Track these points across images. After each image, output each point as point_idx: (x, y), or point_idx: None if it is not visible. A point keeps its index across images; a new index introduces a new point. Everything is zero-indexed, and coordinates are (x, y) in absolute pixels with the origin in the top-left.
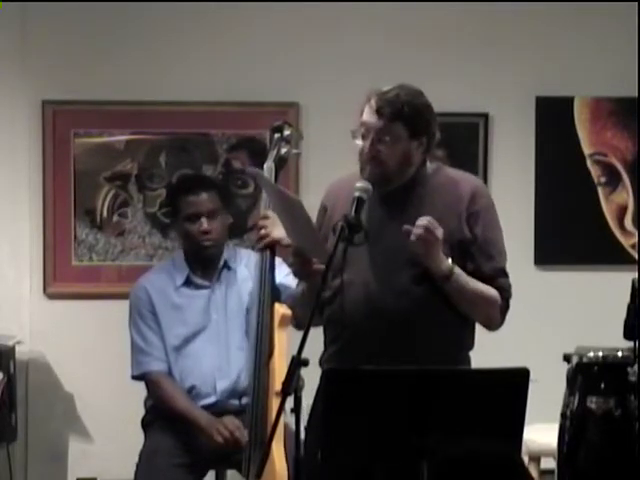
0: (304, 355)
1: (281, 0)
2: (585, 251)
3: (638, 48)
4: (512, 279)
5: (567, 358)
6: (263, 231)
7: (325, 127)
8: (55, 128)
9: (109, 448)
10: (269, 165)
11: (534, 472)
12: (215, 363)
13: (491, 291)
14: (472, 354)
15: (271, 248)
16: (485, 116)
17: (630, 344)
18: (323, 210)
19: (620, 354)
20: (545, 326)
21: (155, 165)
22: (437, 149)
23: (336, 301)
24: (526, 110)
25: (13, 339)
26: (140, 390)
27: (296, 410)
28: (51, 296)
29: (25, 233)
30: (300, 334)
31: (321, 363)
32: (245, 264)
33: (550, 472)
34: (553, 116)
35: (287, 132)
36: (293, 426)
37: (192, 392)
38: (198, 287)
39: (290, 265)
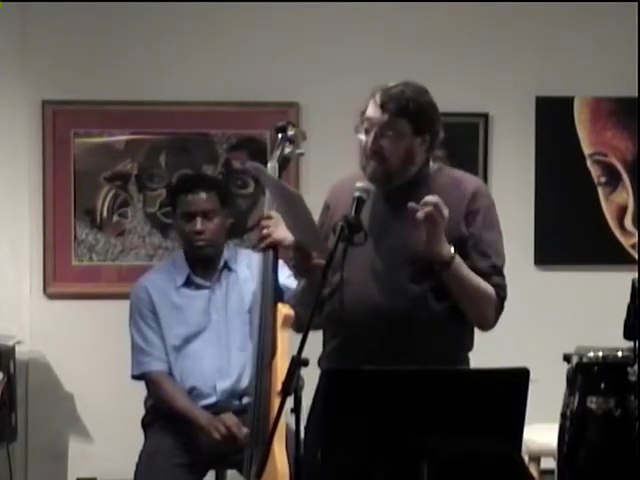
0: (304, 355)
1: (281, 0)
2: (585, 251)
3: (638, 48)
4: (512, 279)
5: (567, 358)
6: (265, 231)
7: (325, 127)
8: (55, 128)
9: (109, 448)
10: (273, 165)
11: (534, 472)
12: (215, 363)
13: (488, 287)
14: (472, 354)
15: (274, 248)
16: (485, 116)
17: (630, 344)
18: (326, 208)
19: (620, 354)
20: (545, 326)
21: (155, 165)
22: (437, 149)
23: (335, 298)
24: (526, 110)
25: (13, 339)
26: (140, 390)
27: (296, 410)
28: (51, 296)
29: (25, 233)
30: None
31: (319, 361)
32: (246, 265)
33: (550, 472)
34: (553, 116)
35: (291, 132)
36: (293, 426)
37: (192, 392)
38: (198, 287)
39: (290, 260)
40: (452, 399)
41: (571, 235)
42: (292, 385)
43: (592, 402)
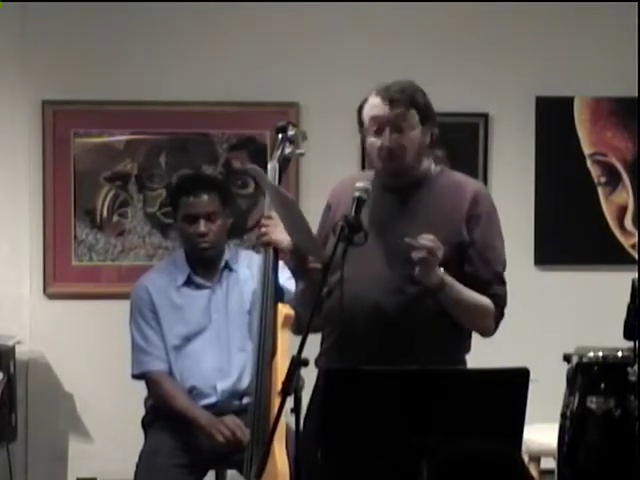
0: (304, 355)
1: (281, 0)
2: (585, 251)
3: (638, 48)
4: (512, 279)
5: (567, 358)
6: (264, 229)
7: (325, 127)
8: (55, 128)
9: (109, 448)
10: (273, 165)
11: (534, 472)
12: (215, 363)
13: (485, 301)
14: (472, 354)
15: (274, 249)
16: (485, 116)
17: (630, 344)
18: (328, 209)
19: (620, 354)
20: (545, 326)
21: (155, 165)
22: (437, 149)
23: (334, 296)
24: (526, 110)
25: (13, 339)
26: (140, 390)
27: (296, 410)
28: (51, 296)
29: (25, 233)
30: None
31: (317, 359)
32: (247, 265)
33: (550, 472)
34: (553, 116)
35: (291, 132)
36: (293, 426)
37: (193, 392)
38: (199, 287)
39: (287, 263)
40: (452, 399)
41: (571, 235)
42: (292, 385)
43: (592, 402)
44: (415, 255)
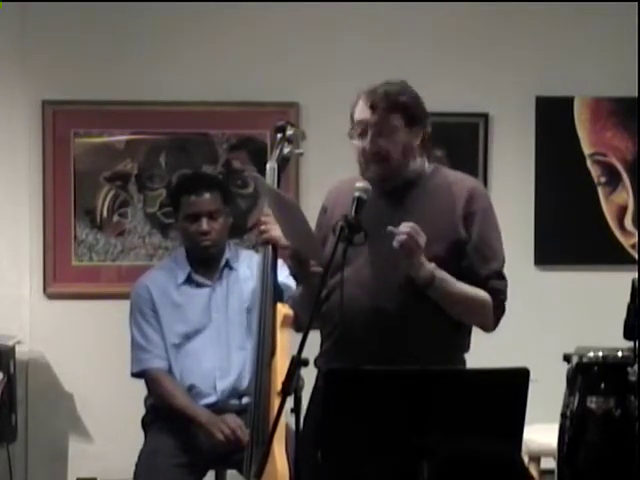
0: (304, 355)
1: (281, 0)
2: (585, 251)
3: (638, 48)
4: (512, 279)
5: (567, 358)
6: (263, 227)
7: (325, 127)
8: (55, 128)
9: (109, 448)
10: (272, 165)
11: (534, 472)
12: (215, 362)
13: (480, 294)
14: (472, 354)
15: (273, 247)
16: (485, 116)
17: (630, 344)
18: (323, 211)
19: (620, 354)
20: (545, 326)
21: (155, 165)
22: (437, 149)
23: (332, 297)
24: (526, 110)
25: (13, 339)
26: (140, 390)
27: (296, 410)
28: (51, 296)
29: (25, 233)
30: (301, 334)
31: (316, 360)
32: (247, 264)
33: (550, 472)
34: (553, 116)
35: (290, 132)
36: (293, 426)
37: (192, 391)
38: (199, 286)
39: (288, 267)
40: (452, 399)
41: (571, 235)
42: (292, 385)
43: (592, 402)
44: (395, 242)
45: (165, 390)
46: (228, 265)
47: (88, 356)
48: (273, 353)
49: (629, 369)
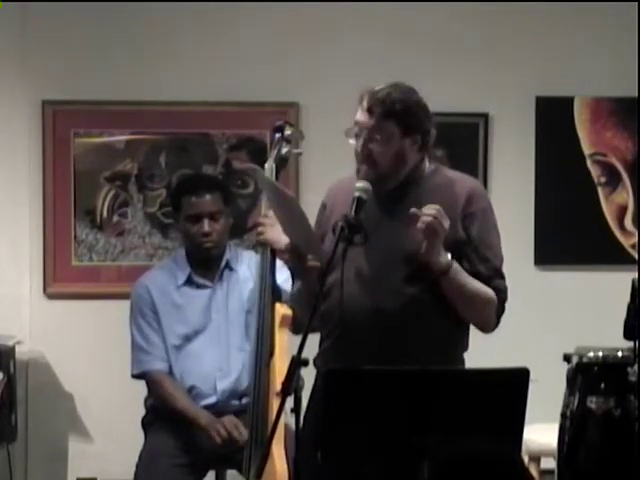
0: (304, 355)
1: (281, 0)
2: (585, 251)
3: (638, 48)
4: (512, 279)
5: (567, 358)
6: (260, 229)
7: (325, 127)
8: (55, 128)
9: (109, 448)
10: (270, 165)
11: (534, 472)
12: (215, 363)
13: (488, 291)
14: (472, 354)
15: (271, 248)
16: (485, 116)
17: (630, 344)
18: (323, 208)
19: (620, 354)
20: (545, 326)
21: (155, 165)
22: (437, 149)
23: (331, 297)
24: (526, 110)
25: (13, 339)
26: (140, 390)
27: (296, 410)
28: (51, 296)
29: (25, 233)
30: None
31: (315, 360)
32: (247, 265)
33: (550, 472)
34: (553, 116)
35: (288, 132)
36: (293, 426)
37: (192, 392)
38: (199, 286)
39: (286, 262)
40: (452, 399)
41: (571, 235)
42: (292, 385)
43: (592, 402)
44: (420, 224)
45: (166, 392)
46: (228, 266)
47: (88, 356)
48: (272, 353)
49: (629, 369)
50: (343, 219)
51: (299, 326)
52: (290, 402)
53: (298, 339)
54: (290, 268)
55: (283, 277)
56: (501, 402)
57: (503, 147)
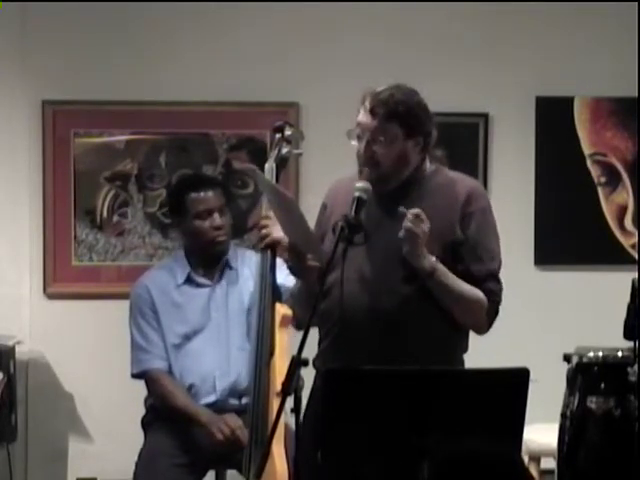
0: (304, 355)
1: (281, 0)
2: (585, 251)
3: (638, 48)
4: (512, 279)
5: (567, 358)
6: (264, 231)
7: (325, 127)
8: (55, 128)
9: (109, 448)
10: (270, 165)
11: (534, 472)
12: (215, 362)
13: (477, 293)
14: (472, 354)
15: (272, 248)
16: (485, 116)
17: (630, 344)
18: (323, 208)
19: (620, 354)
20: (545, 326)
21: (155, 165)
22: (437, 149)
23: (330, 296)
24: (526, 110)
25: (13, 339)
26: (140, 390)
27: (296, 410)
28: (51, 296)
29: (25, 233)
30: (301, 334)
31: (314, 360)
32: (247, 264)
33: (550, 472)
34: (553, 116)
35: (288, 132)
36: (293, 426)
37: (192, 391)
38: (199, 285)
39: (285, 261)
40: (452, 399)
41: (571, 235)
42: (292, 385)
43: (592, 402)
44: (401, 233)
45: (165, 390)
46: (228, 265)
47: (88, 356)
48: (272, 353)
49: (629, 369)
50: (343, 219)
51: (299, 323)
52: (290, 402)
53: (298, 339)
54: (290, 267)
55: (284, 274)
56: (501, 402)
57: (503, 147)
